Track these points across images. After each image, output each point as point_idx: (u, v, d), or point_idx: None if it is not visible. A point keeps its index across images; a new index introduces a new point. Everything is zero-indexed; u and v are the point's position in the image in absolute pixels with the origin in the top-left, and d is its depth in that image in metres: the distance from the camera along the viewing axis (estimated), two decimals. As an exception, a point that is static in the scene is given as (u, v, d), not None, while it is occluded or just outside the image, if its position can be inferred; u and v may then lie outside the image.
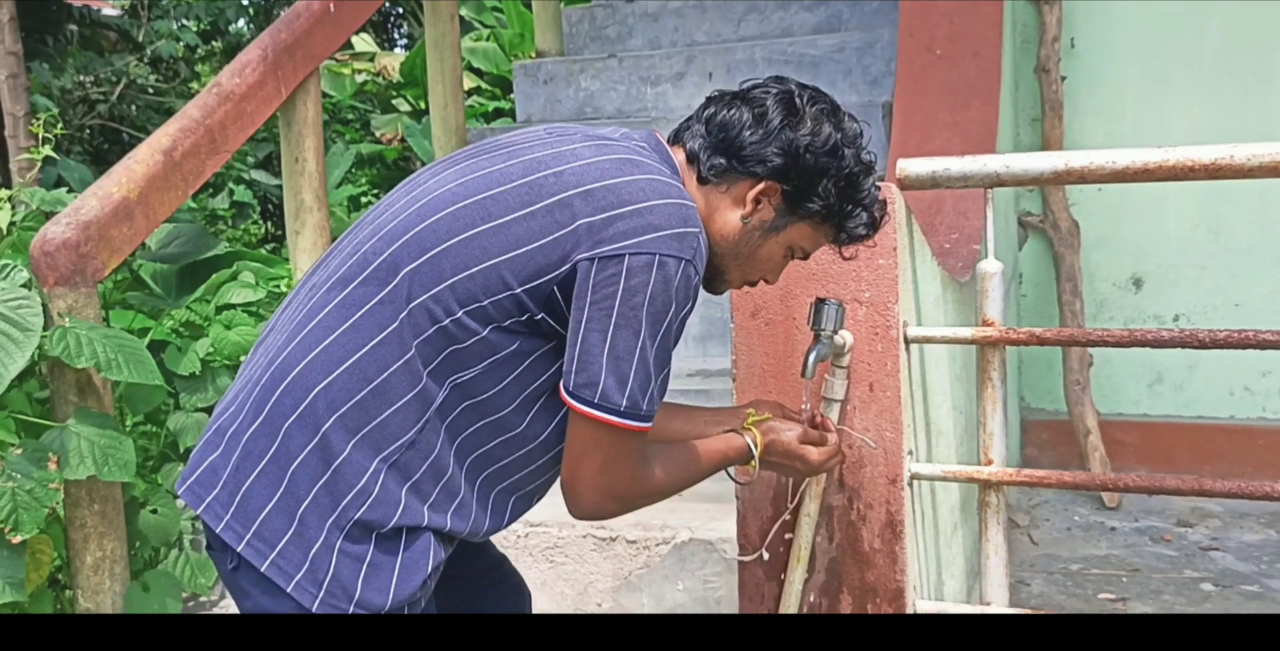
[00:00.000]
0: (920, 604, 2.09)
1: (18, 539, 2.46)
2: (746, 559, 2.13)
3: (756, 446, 1.69)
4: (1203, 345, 1.89)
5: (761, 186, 1.49)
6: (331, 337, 1.39)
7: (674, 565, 2.66)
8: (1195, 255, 3.63)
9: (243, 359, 3.04)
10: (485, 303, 1.37)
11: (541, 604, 2.74)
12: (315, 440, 1.38)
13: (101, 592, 2.77)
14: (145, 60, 12.53)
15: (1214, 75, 3.58)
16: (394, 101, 9.63)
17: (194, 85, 13.48)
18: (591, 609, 2.74)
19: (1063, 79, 3.68)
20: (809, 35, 4.42)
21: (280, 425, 1.39)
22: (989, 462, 2.05)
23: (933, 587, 2.31)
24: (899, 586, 2.05)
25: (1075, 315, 3.56)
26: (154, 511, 2.94)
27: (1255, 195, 3.53)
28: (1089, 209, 3.71)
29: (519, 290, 1.37)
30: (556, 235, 1.36)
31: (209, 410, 3.06)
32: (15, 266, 2.59)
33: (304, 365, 1.39)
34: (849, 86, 4.20)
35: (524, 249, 1.36)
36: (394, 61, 9.72)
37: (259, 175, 8.91)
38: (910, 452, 2.07)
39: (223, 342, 3.04)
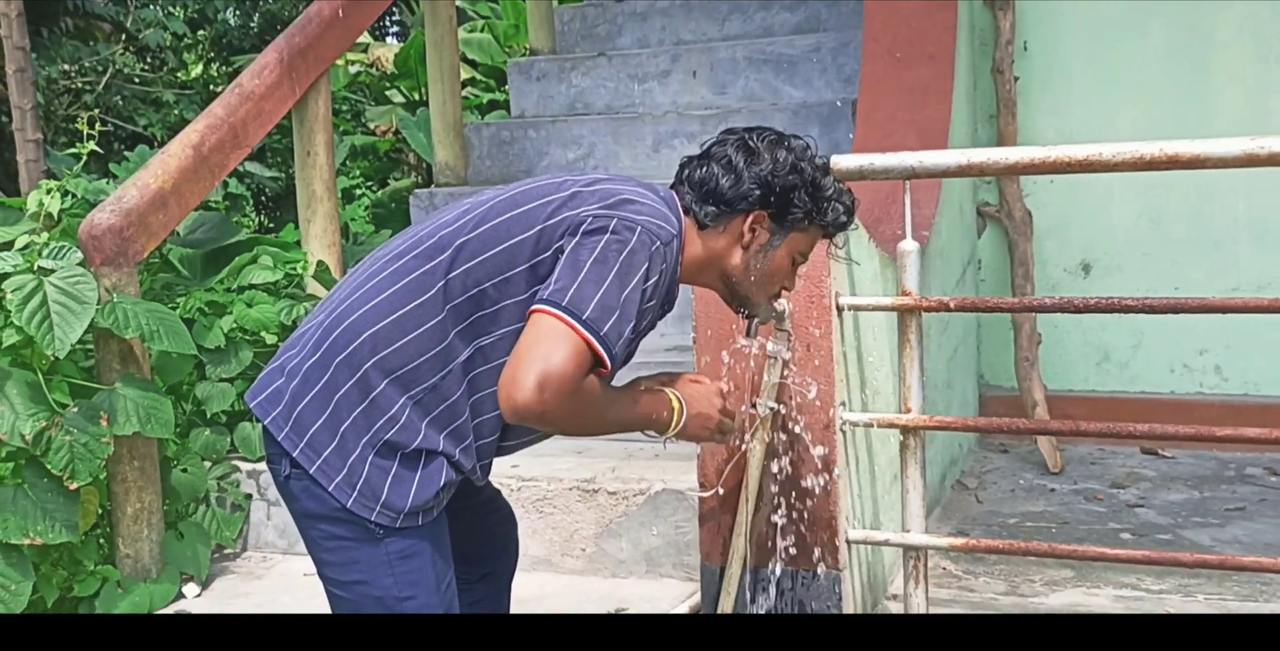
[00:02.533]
0: (851, 532, 2.63)
1: (74, 486, 3.00)
2: (705, 494, 2.68)
3: (678, 415, 1.97)
4: (1076, 310, 2.43)
5: (751, 218, 1.98)
6: (382, 296, 1.92)
7: (649, 512, 3.20)
8: (1139, 243, 4.18)
9: (263, 333, 3.60)
10: (509, 274, 1.88)
11: (533, 550, 3.28)
12: (358, 376, 1.90)
13: (140, 540, 3.31)
14: (132, 49, 13.03)
15: (1156, 74, 4.12)
16: (388, 93, 10.14)
17: (181, 75, 13.99)
18: (577, 553, 3.29)
19: (1016, 79, 4.22)
20: (788, 35, 4.97)
21: (331, 361, 1.92)
22: (907, 411, 2.59)
23: (869, 524, 2.85)
24: (832, 515, 2.59)
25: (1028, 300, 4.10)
26: (184, 470, 3.49)
27: (1193, 188, 4.08)
28: (1042, 200, 4.26)
29: (535, 261, 1.86)
30: (565, 216, 1.87)
31: (232, 380, 3.60)
32: (70, 248, 3.14)
33: (357, 315, 1.92)
34: (824, 84, 4.75)
35: (539, 227, 1.87)
36: (388, 53, 10.23)
37: (252, 167, 9.43)
38: (843, 404, 2.61)
39: (245, 318, 3.59)
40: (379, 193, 9.73)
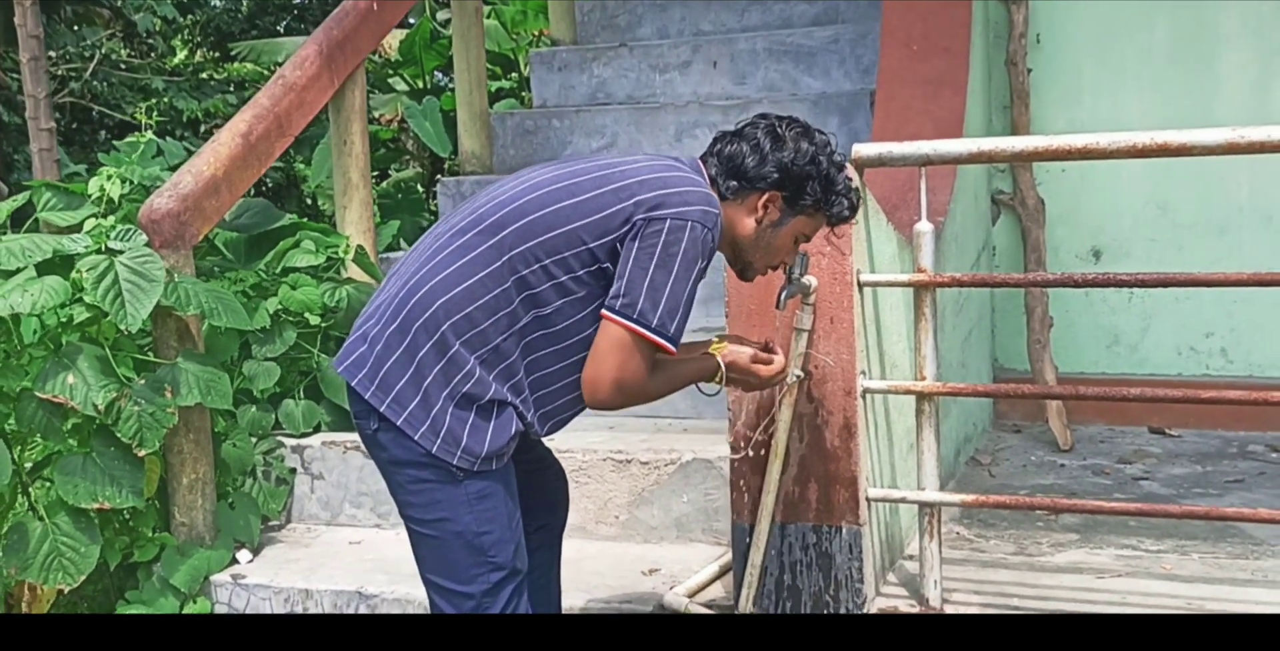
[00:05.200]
0: (871, 490, 3.06)
1: (142, 453, 3.43)
2: (736, 456, 3.10)
3: (721, 366, 2.54)
4: (1075, 284, 2.87)
5: (766, 196, 2.43)
6: (452, 268, 2.34)
7: (680, 481, 3.63)
8: (1146, 229, 4.63)
9: (306, 315, 4.03)
10: (566, 254, 2.31)
11: (568, 517, 3.70)
12: (435, 338, 2.33)
13: (195, 509, 3.74)
14: (119, 35, 13.43)
15: (1162, 67, 4.57)
16: (390, 81, 10.55)
17: (170, 61, 14.37)
18: (611, 520, 3.71)
19: (1029, 71, 4.67)
20: (807, 27, 5.41)
21: (411, 327, 2.35)
22: (922, 378, 3.02)
23: (887, 488, 3.27)
24: (853, 475, 3.02)
25: (1041, 283, 4.54)
26: (234, 445, 3.92)
27: (1197, 176, 4.52)
28: (1054, 188, 4.70)
29: (592, 245, 2.30)
30: (620, 207, 2.30)
31: (277, 359, 4.03)
32: (136, 231, 3.57)
33: (430, 286, 2.35)
34: (843, 75, 5.19)
35: (596, 216, 2.30)
36: (391, 39, 10.63)
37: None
38: (863, 372, 3.04)
39: (289, 300, 4.01)
40: (382, 184, 10.14)
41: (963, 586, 3.12)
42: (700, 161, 2.48)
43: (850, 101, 4.90)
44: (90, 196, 3.81)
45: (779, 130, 2.43)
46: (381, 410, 2.35)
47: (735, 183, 2.43)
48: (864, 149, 3.02)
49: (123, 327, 3.36)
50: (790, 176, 2.41)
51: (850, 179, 2.50)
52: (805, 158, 2.41)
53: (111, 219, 3.67)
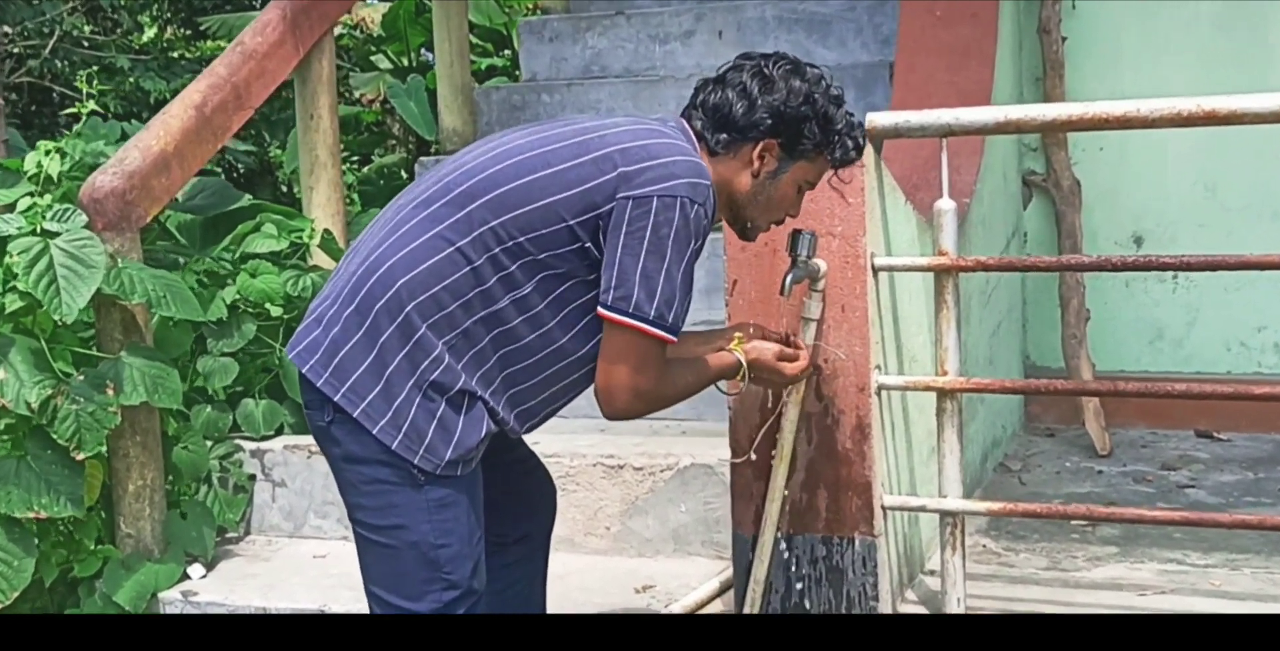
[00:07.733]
0: (887, 497, 2.96)
1: (81, 456, 3.33)
2: (738, 460, 3.00)
3: (744, 364, 2.49)
4: (1115, 268, 2.77)
5: (761, 146, 2.33)
6: (415, 243, 2.24)
7: (677, 488, 3.53)
8: (1194, 213, 4.52)
9: (268, 305, 3.94)
10: (544, 231, 2.21)
11: (555, 529, 3.60)
12: (399, 320, 2.23)
13: (142, 519, 3.64)
14: (80, 9, 13.35)
15: (1209, 35, 4.46)
16: (373, 58, 10.47)
17: (137, 37, 14.30)
18: (601, 532, 3.61)
19: (1064, 39, 4.56)
20: (821, -7, 5.30)
21: (370, 308, 2.25)
22: (944, 373, 2.91)
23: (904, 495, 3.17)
24: (867, 481, 2.91)
25: (1075, 272, 4.43)
26: (185, 448, 3.82)
27: (1251, 153, 4.41)
28: (1091, 168, 4.59)
29: (572, 222, 2.20)
30: (601, 180, 2.20)
31: (234, 355, 3.93)
32: (75, 211, 3.47)
33: (391, 263, 2.25)
34: (860, 45, 5.09)
35: (575, 190, 2.20)
36: (373, 13, 10.56)
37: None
38: (878, 367, 2.93)
39: (249, 289, 3.92)
40: (364, 169, 10.06)
41: (989, 604, 3.02)
42: (684, 119, 2.37)
43: (867, 74, 4.80)
44: (26, 173, 3.71)
45: (766, 70, 2.32)
46: (336, 399, 2.26)
47: (725, 135, 2.33)
48: (879, 118, 2.92)
49: (57, 318, 3.27)
50: (785, 120, 2.31)
51: (851, 114, 2.40)
52: (799, 97, 2.31)
53: (49, 197, 3.57)
